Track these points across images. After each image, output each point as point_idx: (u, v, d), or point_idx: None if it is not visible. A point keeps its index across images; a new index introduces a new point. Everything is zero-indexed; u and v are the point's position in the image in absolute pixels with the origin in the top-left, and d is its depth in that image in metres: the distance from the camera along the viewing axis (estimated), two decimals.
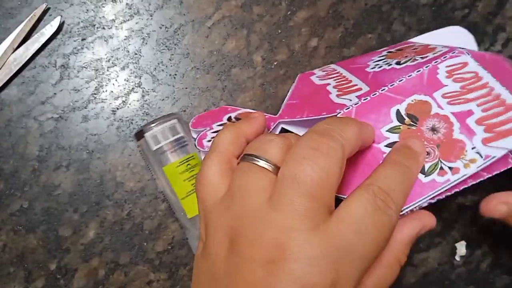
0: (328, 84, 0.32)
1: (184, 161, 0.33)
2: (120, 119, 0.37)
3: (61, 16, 0.37)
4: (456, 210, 0.37)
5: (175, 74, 0.38)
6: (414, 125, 0.26)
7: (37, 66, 0.37)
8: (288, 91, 0.37)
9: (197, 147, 0.33)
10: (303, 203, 0.20)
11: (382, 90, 0.27)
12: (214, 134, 0.33)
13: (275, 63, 0.38)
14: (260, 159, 0.23)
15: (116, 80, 0.38)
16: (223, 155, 0.25)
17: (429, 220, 0.24)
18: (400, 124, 0.26)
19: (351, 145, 0.23)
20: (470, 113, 0.26)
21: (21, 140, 0.37)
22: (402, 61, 0.29)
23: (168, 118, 0.34)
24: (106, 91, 0.37)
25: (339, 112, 0.27)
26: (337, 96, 0.29)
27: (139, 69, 0.38)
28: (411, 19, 0.38)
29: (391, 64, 0.30)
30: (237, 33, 0.38)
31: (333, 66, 0.35)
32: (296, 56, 0.38)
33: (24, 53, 0.37)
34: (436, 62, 0.27)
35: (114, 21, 0.38)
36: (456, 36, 0.35)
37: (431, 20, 0.38)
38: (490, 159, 0.25)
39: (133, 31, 0.38)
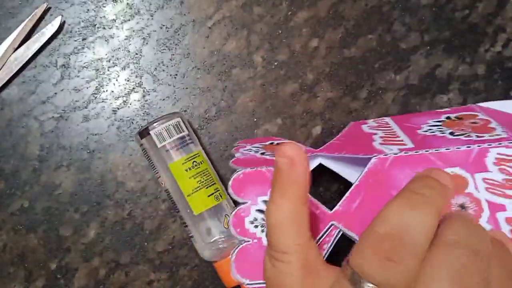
0: (375, 133, 0.31)
1: (190, 159, 0.33)
2: (120, 119, 0.37)
3: (62, 15, 0.37)
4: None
5: (176, 74, 0.38)
6: None
7: (38, 66, 0.37)
8: (289, 91, 0.37)
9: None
10: None
11: (425, 151, 0.26)
12: (253, 148, 0.32)
13: (276, 64, 0.38)
14: None
15: (116, 80, 0.38)
16: (298, 258, 0.21)
17: None
18: None
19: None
20: (503, 208, 0.25)
21: (22, 140, 0.37)
22: (456, 133, 0.28)
23: (172, 116, 0.34)
24: (106, 91, 0.37)
25: (375, 156, 0.26)
26: (380, 144, 0.29)
27: (139, 69, 0.38)
28: (412, 19, 0.38)
29: (444, 133, 0.29)
30: (238, 33, 0.38)
31: (387, 119, 0.34)
32: (297, 57, 0.38)
33: (25, 52, 0.37)
34: (489, 145, 0.26)
35: (115, 21, 0.38)
36: None
37: (432, 21, 0.38)
38: None
39: (133, 31, 0.38)
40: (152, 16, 0.38)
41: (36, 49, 0.37)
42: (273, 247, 0.22)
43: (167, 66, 0.38)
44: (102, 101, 0.37)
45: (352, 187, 0.27)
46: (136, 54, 0.38)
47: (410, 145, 0.28)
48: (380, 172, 0.26)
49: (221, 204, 0.33)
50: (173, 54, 0.38)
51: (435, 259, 0.18)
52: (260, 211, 0.28)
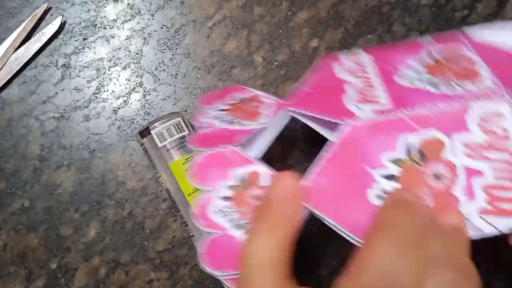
0: (349, 82, 0.28)
1: (191, 158, 0.33)
2: (121, 118, 0.37)
3: (63, 15, 0.37)
4: None
5: (176, 74, 0.38)
6: (419, 164, 0.23)
7: (38, 66, 0.37)
8: (288, 91, 0.37)
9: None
10: None
11: (402, 114, 0.24)
12: (214, 113, 0.30)
13: (276, 64, 0.38)
14: None
15: (117, 79, 0.38)
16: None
17: None
18: (406, 157, 0.23)
19: None
20: (479, 173, 0.22)
21: (22, 140, 0.37)
22: (437, 83, 0.26)
23: (172, 116, 0.34)
24: (107, 90, 0.38)
25: (348, 123, 0.24)
26: (351, 101, 0.26)
27: (140, 69, 0.38)
28: (412, 20, 0.38)
29: (423, 81, 0.26)
30: (238, 33, 0.38)
31: (363, 55, 0.30)
32: (297, 57, 0.38)
33: (25, 52, 0.37)
34: (471, 99, 0.23)
35: (116, 21, 0.38)
36: None
37: (431, 21, 0.38)
38: (478, 232, 0.22)
39: (134, 31, 0.38)
40: (152, 16, 0.38)
41: (37, 49, 0.37)
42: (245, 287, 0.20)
43: (167, 66, 0.38)
44: (103, 101, 0.37)
45: (322, 159, 0.24)
46: (137, 54, 0.38)
47: (385, 103, 0.25)
48: (353, 142, 0.24)
49: None
50: (174, 54, 0.38)
51: (375, 237, 0.19)
52: (225, 198, 0.26)
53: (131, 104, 0.37)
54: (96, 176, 0.37)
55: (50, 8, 0.38)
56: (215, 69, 0.38)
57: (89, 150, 0.37)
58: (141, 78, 0.38)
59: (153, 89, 0.38)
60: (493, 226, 0.22)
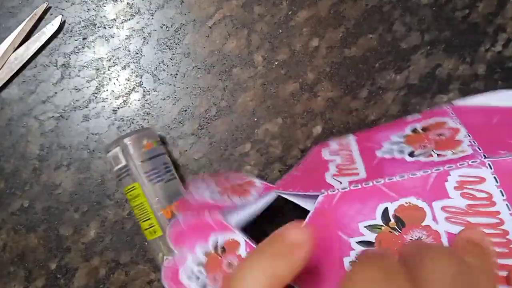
0: (333, 160, 0.28)
1: (128, 190, 0.33)
2: (121, 118, 0.37)
3: (62, 15, 0.37)
4: None
5: (176, 74, 0.38)
6: (397, 231, 0.23)
7: (38, 65, 0.37)
8: (290, 91, 0.37)
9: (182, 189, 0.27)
10: None
11: (377, 182, 0.24)
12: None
13: (276, 63, 0.38)
14: None
15: (117, 79, 0.38)
16: None
17: None
18: (383, 224, 0.23)
19: None
20: None
21: (22, 139, 0.37)
22: (416, 153, 0.25)
23: (118, 142, 0.33)
24: (107, 90, 0.37)
25: (323, 193, 0.25)
26: (333, 175, 0.26)
27: (140, 68, 0.38)
28: (412, 19, 0.38)
29: (403, 153, 0.26)
30: (238, 32, 0.38)
31: (350, 139, 0.31)
32: (297, 56, 0.38)
33: (25, 52, 0.37)
34: (449, 167, 0.23)
35: (115, 21, 0.38)
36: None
37: (432, 21, 0.38)
38: None
39: (134, 30, 0.38)
40: (152, 15, 0.38)
41: (36, 49, 0.37)
42: None
43: (167, 66, 0.38)
44: (103, 101, 0.37)
45: None
46: (137, 53, 0.38)
47: (362, 174, 0.25)
48: (327, 211, 0.24)
49: (155, 240, 0.32)
50: (174, 54, 0.38)
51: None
52: (200, 263, 0.25)
53: (130, 104, 0.37)
54: (96, 176, 0.37)
55: (50, 7, 0.38)
56: (215, 69, 0.38)
57: (88, 150, 0.37)
58: (141, 78, 0.38)
59: (153, 89, 0.37)
60: None
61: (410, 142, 0.27)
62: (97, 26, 0.38)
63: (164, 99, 0.37)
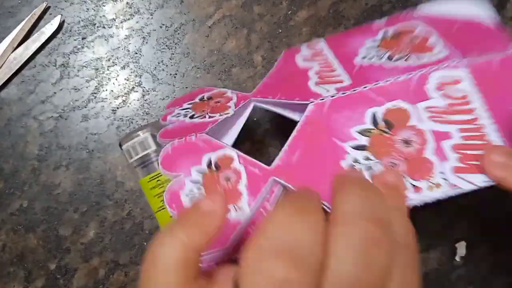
0: (311, 68, 0.29)
1: (154, 177, 0.32)
2: (120, 118, 0.37)
3: (61, 15, 0.37)
4: (456, 210, 0.37)
5: (176, 74, 0.37)
6: (387, 132, 0.24)
7: (37, 65, 0.37)
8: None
9: (160, 121, 0.29)
10: None
11: (363, 88, 0.25)
12: (182, 111, 0.30)
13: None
14: None
15: (116, 79, 0.37)
16: None
17: None
18: (373, 127, 0.25)
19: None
20: (447, 136, 0.24)
21: (21, 140, 0.37)
22: (394, 57, 0.27)
23: (143, 130, 0.33)
24: (106, 90, 0.37)
25: (312, 102, 0.26)
26: (316, 83, 0.27)
27: (139, 68, 0.38)
28: None
29: (382, 58, 0.27)
30: (238, 32, 0.38)
31: (322, 43, 0.31)
32: None
33: (24, 52, 0.37)
34: (431, 68, 0.25)
35: (115, 20, 0.38)
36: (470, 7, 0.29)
37: None
38: (456, 189, 0.23)
39: (133, 30, 0.38)
40: (151, 15, 0.38)
41: (36, 49, 0.37)
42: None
43: (166, 66, 0.38)
44: (102, 101, 0.37)
45: (291, 138, 0.25)
46: (136, 53, 0.38)
47: (347, 81, 0.26)
48: (319, 119, 0.25)
49: None
50: (173, 54, 0.38)
51: (338, 239, 0.17)
52: (197, 181, 0.26)
53: (130, 103, 0.37)
54: (95, 176, 0.37)
55: (49, 7, 0.38)
56: (214, 69, 0.38)
57: (87, 150, 0.37)
58: (140, 77, 0.37)
59: (152, 89, 0.37)
60: (470, 182, 0.23)
61: (385, 46, 0.28)
62: (96, 26, 0.38)
63: (164, 99, 0.37)
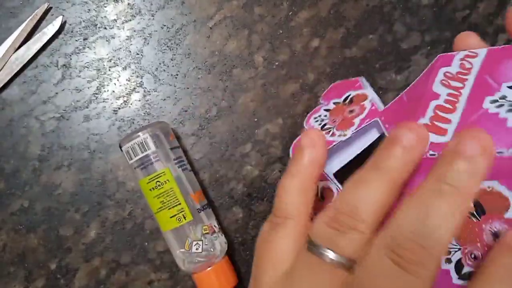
0: (438, 97, 0.22)
1: (153, 178, 0.33)
2: (121, 119, 0.37)
3: (63, 15, 0.37)
4: None
5: (177, 74, 0.38)
6: None
7: (39, 66, 0.37)
8: (290, 91, 0.37)
9: (305, 125, 0.31)
10: None
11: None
12: (319, 117, 0.31)
13: (277, 64, 0.38)
14: (330, 253, 0.19)
15: (117, 80, 0.38)
16: (297, 225, 0.22)
17: None
18: None
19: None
20: None
21: (23, 140, 0.37)
22: None
23: (143, 131, 0.33)
24: (107, 91, 0.37)
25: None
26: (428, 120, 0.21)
27: (140, 69, 0.38)
28: (412, 19, 0.38)
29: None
30: (239, 33, 0.38)
31: (478, 59, 0.23)
32: (298, 57, 0.38)
33: (26, 52, 0.37)
34: None
35: (116, 21, 0.38)
36: None
37: (432, 21, 0.38)
38: None
39: (134, 31, 0.38)
40: (153, 16, 0.38)
41: (37, 49, 0.37)
42: (276, 211, 0.23)
43: (168, 66, 0.38)
44: (103, 101, 0.37)
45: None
46: (137, 54, 0.38)
47: (448, 136, 0.20)
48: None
49: (183, 226, 0.32)
50: (174, 54, 0.38)
51: (496, 261, 0.18)
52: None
53: (131, 104, 0.37)
54: (96, 177, 0.37)
55: (51, 8, 0.38)
56: (215, 69, 0.38)
57: (89, 151, 0.37)
58: (142, 78, 0.38)
59: (154, 90, 0.37)
60: None
61: None
62: (97, 26, 0.38)
63: (165, 99, 0.37)
